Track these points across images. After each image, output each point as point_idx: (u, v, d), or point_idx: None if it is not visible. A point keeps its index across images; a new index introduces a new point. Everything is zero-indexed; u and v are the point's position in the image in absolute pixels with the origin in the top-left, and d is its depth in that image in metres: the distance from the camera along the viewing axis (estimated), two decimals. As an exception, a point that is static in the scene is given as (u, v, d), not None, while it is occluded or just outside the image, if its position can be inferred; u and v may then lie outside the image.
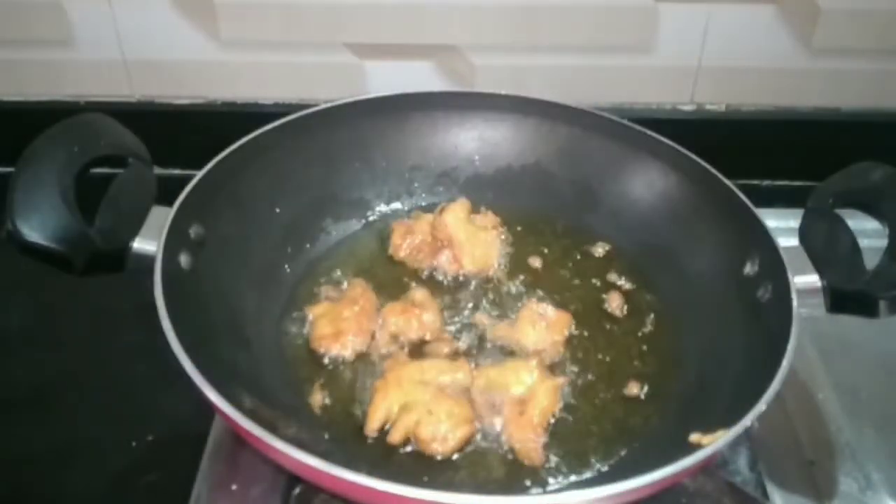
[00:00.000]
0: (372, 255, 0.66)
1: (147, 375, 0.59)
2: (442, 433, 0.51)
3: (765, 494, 0.54)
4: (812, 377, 0.62)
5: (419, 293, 0.61)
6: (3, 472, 0.56)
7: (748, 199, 0.59)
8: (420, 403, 0.52)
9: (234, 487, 0.52)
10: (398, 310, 0.59)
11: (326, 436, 0.53)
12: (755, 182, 0.82)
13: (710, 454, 0.43)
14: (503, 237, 0.65)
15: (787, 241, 0.56)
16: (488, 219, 0.64)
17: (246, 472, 0.53)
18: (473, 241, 0.64)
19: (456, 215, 0.63)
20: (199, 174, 0.58)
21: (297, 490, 0.52)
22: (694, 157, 0.62)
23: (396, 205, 0.69)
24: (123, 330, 0.63)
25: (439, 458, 0.51)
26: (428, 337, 0.58)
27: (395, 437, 0.51)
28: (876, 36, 0.75)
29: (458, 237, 0.63)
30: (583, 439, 0.53)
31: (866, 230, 0.56)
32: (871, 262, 0.53)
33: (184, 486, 0.53)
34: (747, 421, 0.44)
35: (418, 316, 0.59)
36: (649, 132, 0.65)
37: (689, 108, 0.80)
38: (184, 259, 0.54)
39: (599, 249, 0.67)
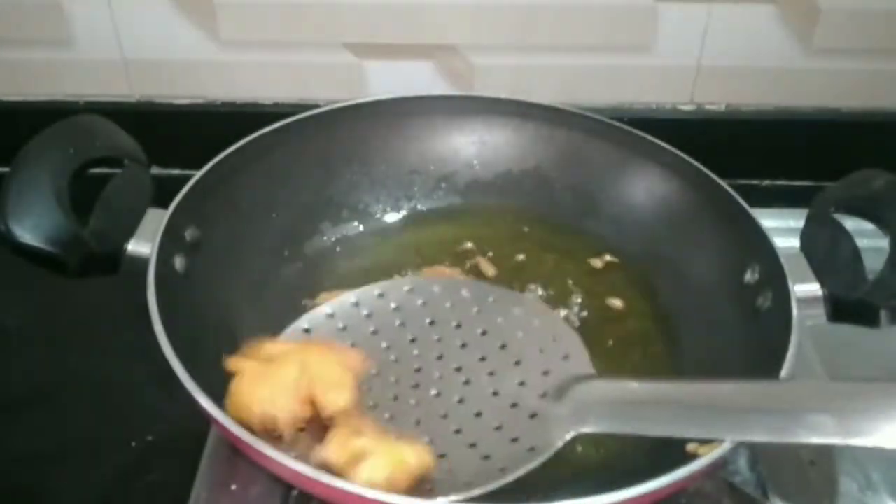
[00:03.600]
0: (369, 260, 0.66)
1: (147, 375, 0.59)
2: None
3: (765, 494, 0.54)
4: (811, 377, 0.62)
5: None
6: (2, 472, 0.56)
7: (749, 204, 0.59)
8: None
9: (233, 487, 0.52)
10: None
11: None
12: (755, 182, 0.81)
13: (706, 465, 0.43)
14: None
15: (787, 241, 0.56)
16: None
17: (245, 472, 0.53)
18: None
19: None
20: (196, 176, 0.58)
21: (296, 490, 0.52)
22: (695, 162, 0.62)
23: (395, 210, 0.69)
24: (123, 329, 0.63)
25: None
26: None
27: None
28: (876, 36, 0.75)
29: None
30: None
31: (866, 230, 0.56)
32: (870, 261, 0.53)
33: (184, 486, 0.53)
34: None
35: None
36: (650, 137, 0.65)
37: (689, 108, 0.80)
38: (178, 262, 0.54)
39: (599, 255, 0.66)
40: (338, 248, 0.66)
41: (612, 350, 0.60)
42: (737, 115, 0.80)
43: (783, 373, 0.47)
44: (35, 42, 0.75)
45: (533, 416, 0.48)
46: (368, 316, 0.55)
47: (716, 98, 0.79)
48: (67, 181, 0.51)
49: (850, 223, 0.56)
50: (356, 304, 0.56)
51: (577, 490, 0.49)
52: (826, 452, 0.57)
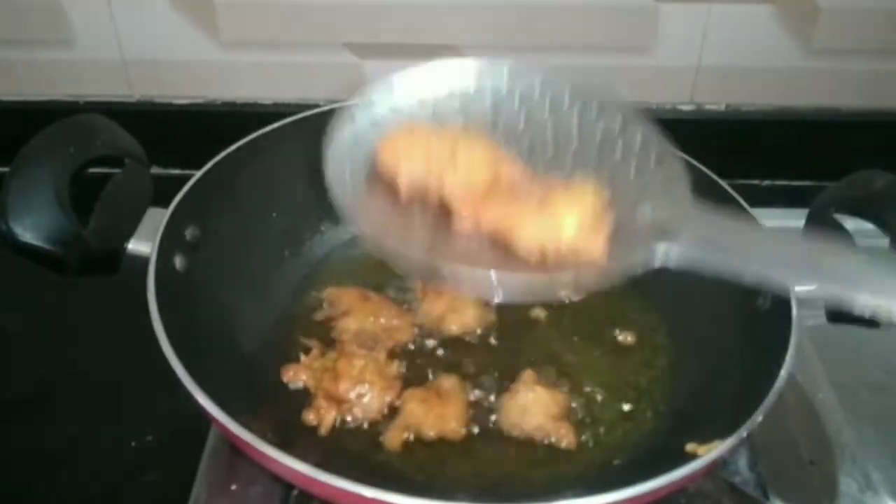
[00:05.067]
0: (369, 260, 0.66)
1: (146, 375, 0.58)
2: None
3: (765, 494, 0.54)
4: (811, 377, 0.62)
5: (447, 381, 0.55)
6: (2, 472, 0.56)
7: (749, 204, 0.58)
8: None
9: (233, 487, 0.52)
10: (419, 397, 0.54)
11: (322, 440, 0.52)
12: (755, 182, 0.82)
13: (705, 465, 0.43)
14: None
15: (787, 242, 0.56)
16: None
17: (245, 472, 0.53)
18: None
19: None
20: (196, 176, 0.58)
21: (296, 490, 0.52)
22: (695, 162, 0.62)
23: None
24: (123, 329, 0.63)
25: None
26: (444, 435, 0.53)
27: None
28: (876, 36, 0.75)
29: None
30: (577, 447, 0.53)
31: (866, 230, 0.56)
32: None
33: (184, 486, 0.53)
34: (743, 432, 0.44)
35: (440, 407, 0.53)
36: None
37: (688, 108, 0.80)
38: (178, 261, 0.54)
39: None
40: (338, 248, 0.66)
41: (613, 348, 0.60)
42: (737, 115, 0.80)
43: (783, 372, 0.47)
44: (35, 42, 0.75)
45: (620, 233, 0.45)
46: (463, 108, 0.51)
47: (716, 98, 0.79)
48: (67, 181, 0.51)
49: (850, 223, 0.56)
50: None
51: (578, 490, 0.49)
52: (826, 452, 0.57)
